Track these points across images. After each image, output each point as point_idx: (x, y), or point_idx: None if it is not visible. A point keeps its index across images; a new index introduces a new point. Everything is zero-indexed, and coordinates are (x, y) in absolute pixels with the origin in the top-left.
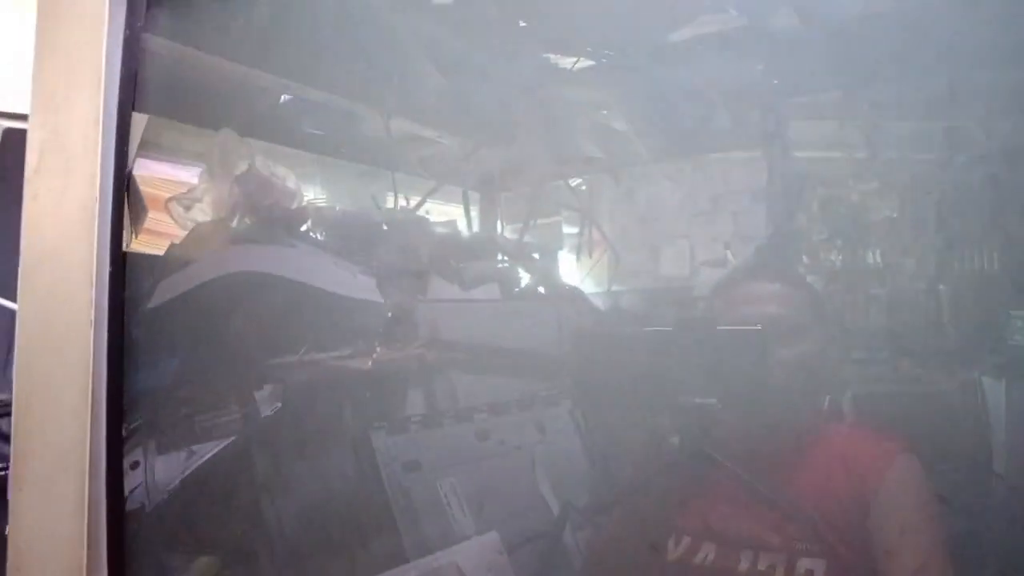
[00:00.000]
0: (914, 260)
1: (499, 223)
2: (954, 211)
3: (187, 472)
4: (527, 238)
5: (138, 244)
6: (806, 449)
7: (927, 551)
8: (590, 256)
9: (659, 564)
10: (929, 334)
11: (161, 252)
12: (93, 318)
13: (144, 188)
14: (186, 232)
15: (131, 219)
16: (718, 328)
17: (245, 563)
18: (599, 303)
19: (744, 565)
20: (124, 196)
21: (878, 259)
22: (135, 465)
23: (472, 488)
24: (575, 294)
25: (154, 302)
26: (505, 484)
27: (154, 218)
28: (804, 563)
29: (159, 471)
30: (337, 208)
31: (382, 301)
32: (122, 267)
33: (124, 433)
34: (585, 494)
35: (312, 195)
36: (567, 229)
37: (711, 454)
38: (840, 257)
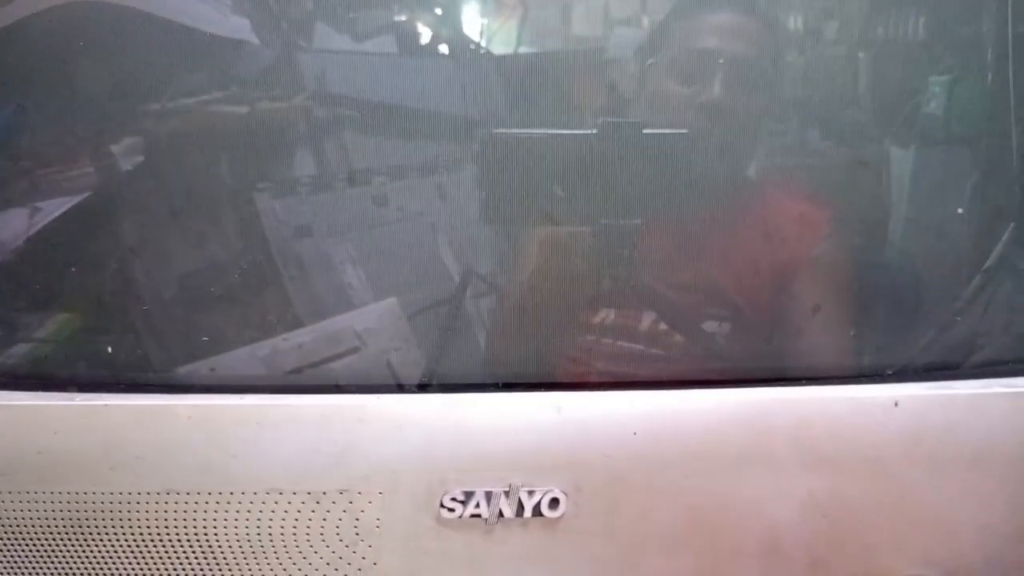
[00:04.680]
0: (837, 24)
1: None
2: None
3: (33, 230)
4: None
5: None
6: (728, 222)
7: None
8: (497, 12)
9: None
10: (844, 104)
11: None
12: None
13: None
14: None
15: None
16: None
17: (110, 321)
18: (506, 65)
19: (645, 325)
20: None
21: (799, 24)
22: None
23: (369, 255)
24: (480, 55)
25: None
26: (404, 251)
27: None
28: (708, 325)
29: None
30: None
31: (258, 42)
32: None
33: None
34: (488, 262)
35: None
36: None
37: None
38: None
